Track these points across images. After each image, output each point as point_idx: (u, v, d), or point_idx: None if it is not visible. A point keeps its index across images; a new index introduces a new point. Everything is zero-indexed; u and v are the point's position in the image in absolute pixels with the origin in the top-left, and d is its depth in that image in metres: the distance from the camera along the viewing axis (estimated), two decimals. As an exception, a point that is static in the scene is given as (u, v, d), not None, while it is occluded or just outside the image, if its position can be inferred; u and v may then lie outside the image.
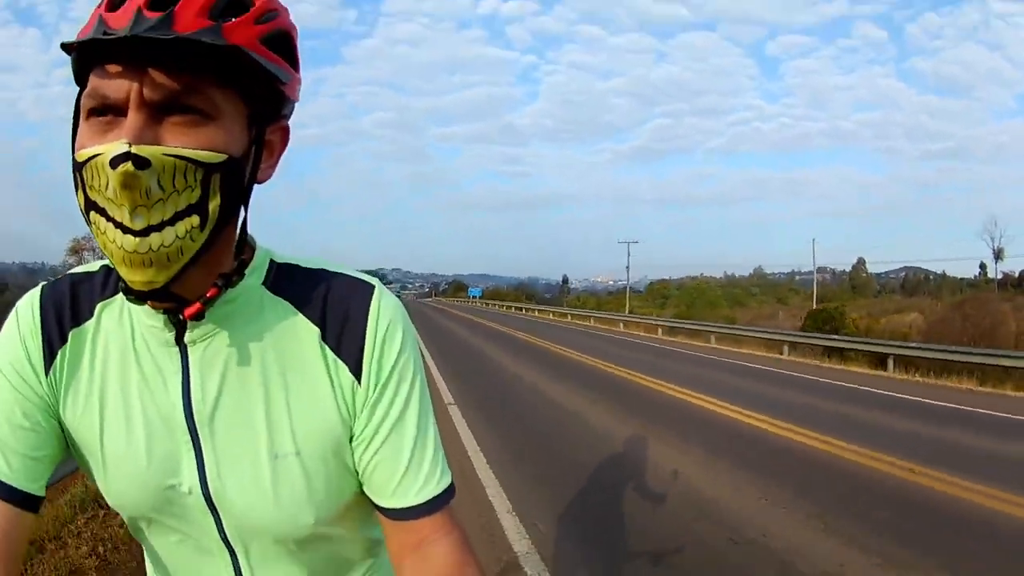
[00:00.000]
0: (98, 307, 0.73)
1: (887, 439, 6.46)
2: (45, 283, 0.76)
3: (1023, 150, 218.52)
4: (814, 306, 31.95)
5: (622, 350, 16.47)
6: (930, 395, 10.07)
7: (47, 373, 0.72)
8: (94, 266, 0.77)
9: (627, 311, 35.48)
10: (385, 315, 0.73)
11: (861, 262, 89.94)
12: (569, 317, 32.86)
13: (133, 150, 0.57)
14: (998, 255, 61.82)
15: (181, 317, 0.67)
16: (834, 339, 16.04)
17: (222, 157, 0.61)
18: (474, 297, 76.62)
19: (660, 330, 23.37)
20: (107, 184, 0.58)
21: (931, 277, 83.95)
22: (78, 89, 0.64)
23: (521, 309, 45.42)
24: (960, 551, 3.74)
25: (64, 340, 0.72)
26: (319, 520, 0.74)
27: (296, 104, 0.71)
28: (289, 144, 0.73)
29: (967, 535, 4.01)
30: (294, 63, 0.68)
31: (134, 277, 0.61)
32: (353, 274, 0.76)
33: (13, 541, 0.69)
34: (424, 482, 0.73)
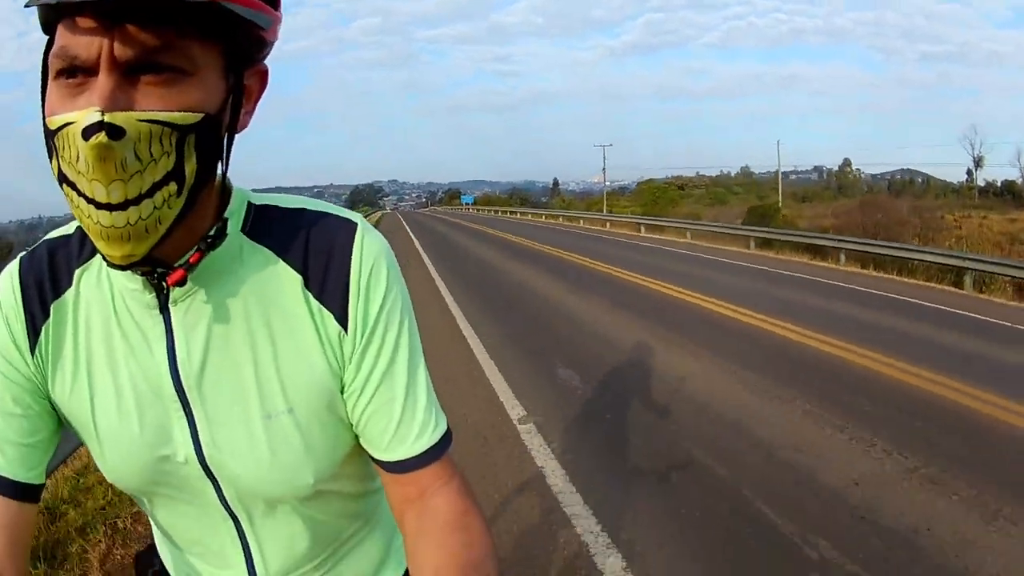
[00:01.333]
0: (76, 273, 0.70)
1: (774, 304, 8.38)
2: (23, 254, 0.72)
3: (1019, 59, 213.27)
4: (779, 205, 34.93)
5: (581, 241, 19.65)
6: (816, 273, 12.38)
7: (32, 353, 0.69)
8: (70, 228, 0.72)
9: (605, 211, 38.37)
10: (369, 255, 0.70)
11: (847, 162, 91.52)
12: (561, 219, 35.11)
13: (106, 118, 0.53)
14: (978, 163, 63.45)
15: (164, 284, 0.65)
16: (759, 231, 19.08)
17: (198, 117, 0.58)
18: (467, 204, 79.08)
19: (642, 228, 26.09)
20: (78, 156, 0.54)
21: (921, 181, 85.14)
22: (46, 39, 0.59)
23: (511, 213, 48.28)
24: (829, 392, 4.77)
25: (47, 315, 0.69)
26: (319, 478, 0.72)
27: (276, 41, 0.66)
28: (272, 68, 0.68)
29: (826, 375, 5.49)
30: (275, 2, 0.63)
31: (112, 252, 0.58)
32: (335, 212, 0.73)
33: (18, 535, 0.67)
34: (419, 432, 0.71)
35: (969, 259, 11.46)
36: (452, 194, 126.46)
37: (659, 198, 47.47)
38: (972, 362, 5.70)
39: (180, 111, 0.57)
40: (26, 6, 0.56)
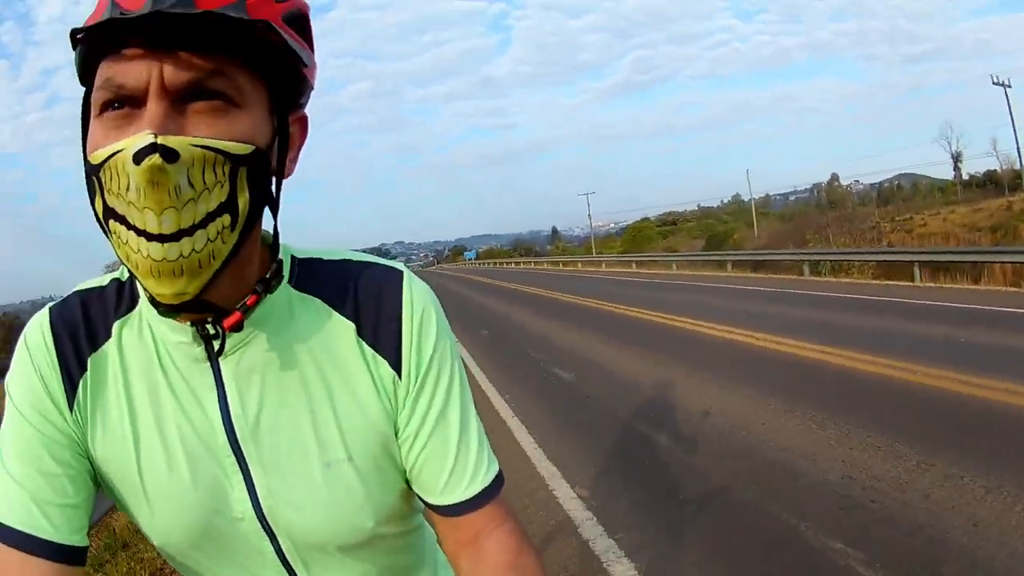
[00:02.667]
0: (115, 326, 0.68)
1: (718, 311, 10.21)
2: (52, 304, 0.70)
3: (1005, 45, 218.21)
4: (755, 233, 37.77)
5: (556, 280, 22.27)
6: (764, 283, 15.07)
7: (71, 408, 0.66)
8: (103, 280, 0.71)
9: (594, 253, 41.15)
10: (419, 303, 0.71)
11: (834, 177, 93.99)
12: (561, 265, 38.40)
13: (159, 141, 0.52)
14: (957, 158, 65.71)
15: (218, 329, 0.63)
16: (714, 255, 21.62)
17: (250, 148, 0.57)
18: (469, 259, 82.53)
19: (633, 264, 28.93)
20: (128, 184, 0.53)
21: (911, 185, 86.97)
22: (83, 90, 0.59)
23: (507, 264, 51.51)
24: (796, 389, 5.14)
25: (84, 368, 0.67)
26: (378, 521, 0.72)
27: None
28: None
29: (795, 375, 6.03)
30: (311, 46, 0.64)
31: (163, 290, 0.56)
32: (379, 262, 0.74)
33: None
34: (472, 475, 0.72)
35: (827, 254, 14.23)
36: (456, 251, 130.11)
37: (637, 237, 51.65)
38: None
39: (231, 140, 0.56)
40: (72, 33, 0.56)
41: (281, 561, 0.72)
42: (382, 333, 0.70)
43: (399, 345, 0.70)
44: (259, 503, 0.69)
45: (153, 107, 0.54)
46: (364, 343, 0.70)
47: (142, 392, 0.67)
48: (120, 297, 0.69)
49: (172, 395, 0.67)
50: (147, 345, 0.67)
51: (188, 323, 0.64)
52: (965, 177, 64.81)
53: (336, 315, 0.70)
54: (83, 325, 0.68)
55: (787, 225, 29.72)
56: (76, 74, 0.60)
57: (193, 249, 0.56)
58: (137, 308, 0.68)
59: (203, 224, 0.56)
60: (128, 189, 0.53)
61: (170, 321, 0.64)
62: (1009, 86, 22.53)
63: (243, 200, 0.58)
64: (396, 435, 0.72)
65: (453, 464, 0.72)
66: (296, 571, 0.73)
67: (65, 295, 0.72)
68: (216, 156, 0.55)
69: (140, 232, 0.54)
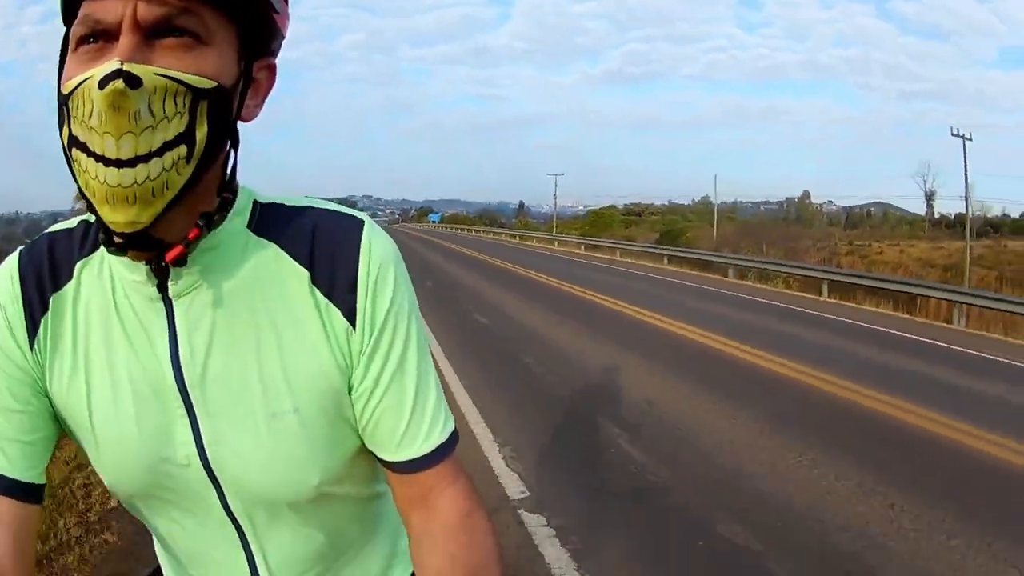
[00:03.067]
0: (77, 266, 0.68)
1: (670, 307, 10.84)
2: (23, 247, 0.71)
3: (999, 98, 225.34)
4: (714, 235, 39.57)
5: (519, 255, 23.35)
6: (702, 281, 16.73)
7: (31, 347, 0.67)
8: (72, 222, 0.71)
9: (554, 232, 42.31)
10: (377, 254, 0.69)
11: (806, 194, 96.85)
12: (518, 238, 38.91)
13: (124, 67, 0.54)
14: (930, 197, 68.36)
15: (163, 263, 0.63)
16: (662, 248, 23.01)
17: (212, 83, 0.59)
18: (433, 222, 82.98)
19: (582, 247, 29.71)
20: (91, 110, 0.55)
21: (882, 214, 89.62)
22: (65, 30, 0.61)
23: (471, 231, 52.21)
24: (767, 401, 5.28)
25: (46, 308, 0.68)
26: (324, 480, 0.71)
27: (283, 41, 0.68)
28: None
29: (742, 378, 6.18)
30: None
31: (116, 217, 0.57)
32: (341, 210, 0.72)
33: (21, 537, 0.65)
34: (427, 432, 0.71)
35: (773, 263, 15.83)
36: (422, 212, 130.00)
37: (597, 222, 53.71)
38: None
39: (195, 74, 0.57)
40: None
41: (227, 513, 0.71)
42: (337, 283, 0.68)
43: (354, 296, 0.68)
44: (204, 450, 0.67)
45: (124, 40, 0.56)
46: (318, 291, 0.68)
47: (98, 332, 0.67)
48: (85, 238, 0.69)
49: (125, 336, 0.66)
50: (105, 285, 0.67)
51: (143, 262, 0.63)
52: (937, 216, 67.49)
53: (290, 261, 0.68)
54: (48, 265, 0.68)
55: (742, 231, 31.62)
56: (60, 15, 0.61)
57: (148, 176, 0.56)
58: (100, 248, 0.67)
59: (159, 152, 0.56)
60: (91, 115, 0.55)
61: (127, 261, 0.64)
62: (969, 139, 24.19)
63: (201, 133, 0.58)
64: (350, 391, 0.70)
65: (408, 420, 0.70)
66: (242, 524, 0.72)
67: (33, 220, 0.88)
68: (178, 87, 0.56)
69: (99, 158, 0.55)
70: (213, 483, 0.69)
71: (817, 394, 5.46)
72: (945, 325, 10.85)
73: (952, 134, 23.50)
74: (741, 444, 4.22)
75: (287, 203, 0.72)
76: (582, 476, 3.73)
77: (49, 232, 0.72)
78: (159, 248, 0.62)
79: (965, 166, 22.77)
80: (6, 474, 0.65)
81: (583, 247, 28.28)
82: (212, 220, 0.64)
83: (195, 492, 0.70)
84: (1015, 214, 59.87)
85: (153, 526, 0.76)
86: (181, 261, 0.63)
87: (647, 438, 4.26)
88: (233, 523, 0.72)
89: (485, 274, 15.49)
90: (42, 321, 0.68)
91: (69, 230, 0.71)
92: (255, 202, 0.71)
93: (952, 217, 63.84)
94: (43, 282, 0.68)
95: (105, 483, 0.72)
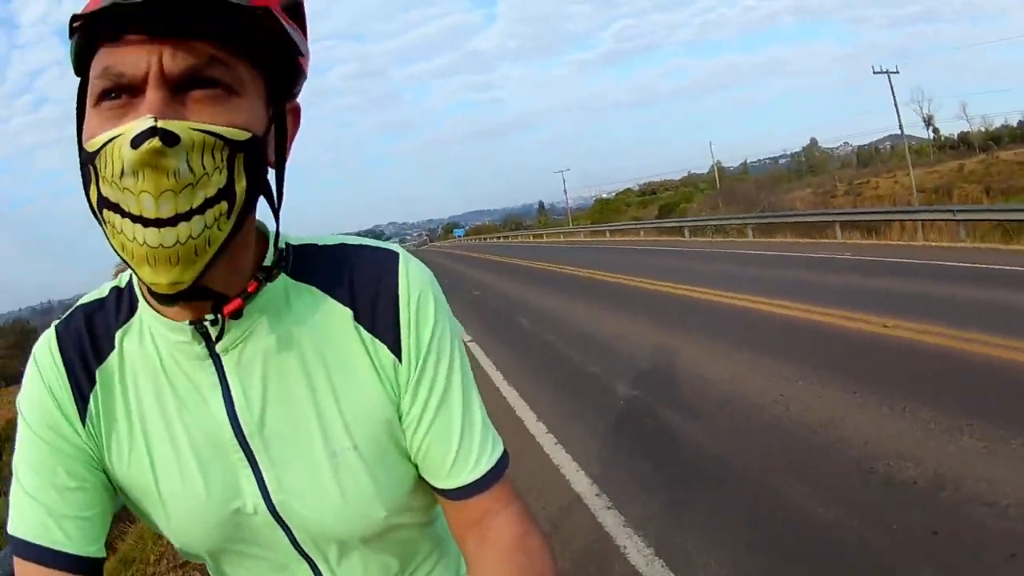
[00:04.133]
0: (117, 336, 0.69)
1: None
2: (57, 322, 0.71)
3: (990, 8, 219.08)
4: (719, 202, 42.56)
5: (526, 251, 27.13)
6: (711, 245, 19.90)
7: (83, 422, 0.67)
8: (103, 291, 0.72)
9: (569, 226, 45.66)
10: (415, 284, 0.70)
11: (813, 142, 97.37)
12: (531, 237, 43.14)
13: (160, 124, 0.52)
14: (928, 122, 68.81)
15: (218, 316, 0.63)
16: (671, 221, 26.38)
17: (247, 135, 0.58)
18: (458, 237, 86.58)
19: (581, 235, 34.13)
20: (123, 170, 0.53)
21: (893, 148, 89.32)
22: (79, 81, 0.60)
23: (495, 238, 56.21)
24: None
25: (93, 382, 0.68)
26: (391, 511, 0.72)
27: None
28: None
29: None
30: (306, 34, 0.65)
31: (158, 279, 0.56)
32: (374, 244, 0.73)
33: None
34: (477, 458, 0.72)
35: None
36: (448, 228, 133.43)
37: (604, 209, 59.43)
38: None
39: (229, 127, 0.56)
40: (72, 19, 0.56)
41: (299, 551, 0.72)
42: (380, 317, 0.69)
43: (397, 328, 0.69)
44: (270, 497, 0.68)
45: (152, 94, 0.54)
46: (362, 328, 0.69)
47: (150, 398, 0.68)
48: (119, 305, 0.69)
49: (176, 397, 0.67)
50: (149, 350, 0.68)
51: (187, 322, 0.64)
52: (943, 138, 67.43)
53: (332, 301, 0.69)
54: (88, 339, 0.69)
55: (744, 189, 34.58)
56: (71, 64, 0.59)
57: (190, 235, 0.55)
58: (137, 314, 0.68)
59: (200, 210, 0.55)
60: (123, 175, 0.53)
61: (169, 322, 0.65)
62: (896, 72, 26.15)
63: (240, 187, 0.57)
64: (400, 421, 0.71)
65: (457, 447, 0.71)
66: (315, 561, 0.73)
67: (68, 305, 0.74)
68: (216, 141, 0.55)
69: (136, 219, 0.54)
70: (282, 527, 0.70)
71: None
72: (910, 243, 12.54)
73: (874, 72, 24.97)
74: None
75: (319, 243, 0.73)
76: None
77: (81, 304, 0.72)
78: (207, 297, 0.62)
79: (895, 99, 24.69)
80: (67, 551, 0.65)
81: (582, 235, 32.81)
82: (270, 273, 0.66)
83: (266, 538, 0.71)
84: (1015, 123, 60.09)
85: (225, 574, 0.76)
86: (238, 314, 0.63)
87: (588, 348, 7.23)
88: (307, 561, 0.74)
89: (488, 269, 19.59)
90: (91, 396, 0.68)
91: (101, 300, 0.71)
92: (287, 244, 0.70)
93: (956, 138, 64.05)
94: (86, 356, 0.68)
95: (176, 546, 0.73)
